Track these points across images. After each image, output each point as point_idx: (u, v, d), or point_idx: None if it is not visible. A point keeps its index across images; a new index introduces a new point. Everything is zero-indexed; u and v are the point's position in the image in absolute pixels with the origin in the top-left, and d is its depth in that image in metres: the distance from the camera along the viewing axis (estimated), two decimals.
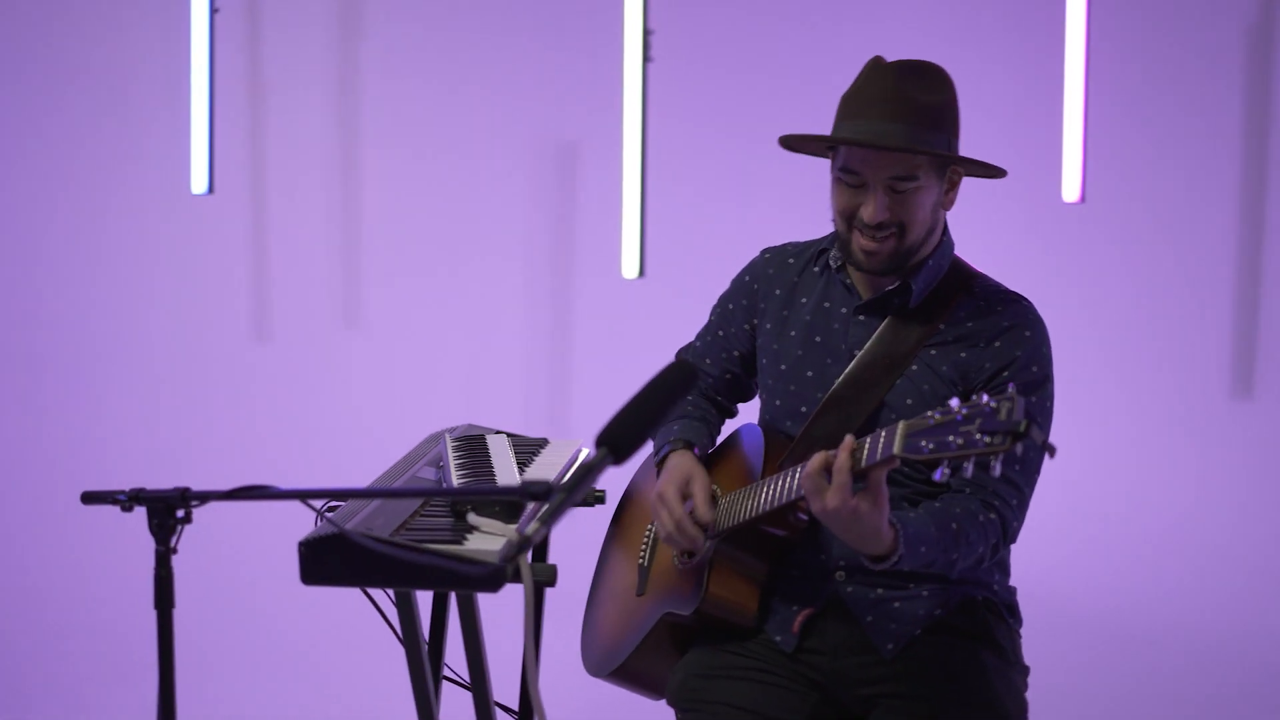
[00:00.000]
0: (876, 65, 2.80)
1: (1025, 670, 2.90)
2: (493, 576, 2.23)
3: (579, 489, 2.01)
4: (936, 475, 2.32)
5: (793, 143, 2.93)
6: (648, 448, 2.94)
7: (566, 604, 3.40)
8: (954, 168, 2.81)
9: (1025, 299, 2.88)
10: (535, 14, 5.90)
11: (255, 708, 4.88)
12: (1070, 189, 5.14)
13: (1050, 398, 2.84)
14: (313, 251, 5.98)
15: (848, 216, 2.78)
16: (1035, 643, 3.09)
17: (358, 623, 3.41)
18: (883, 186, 2.73)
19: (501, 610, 3.17)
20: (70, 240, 5.85)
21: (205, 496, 2.21)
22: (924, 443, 2.32)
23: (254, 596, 5.38)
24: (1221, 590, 5.61)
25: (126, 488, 2.23)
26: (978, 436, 2.26)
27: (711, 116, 5.82)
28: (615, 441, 2.06)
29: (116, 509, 2.27)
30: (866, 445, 2.46)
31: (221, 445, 5.87)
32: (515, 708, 3.36)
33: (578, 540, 3.59)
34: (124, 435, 5.85)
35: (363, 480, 3.04)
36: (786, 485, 2.65)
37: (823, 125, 2.89)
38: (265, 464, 5.73)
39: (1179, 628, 5.45)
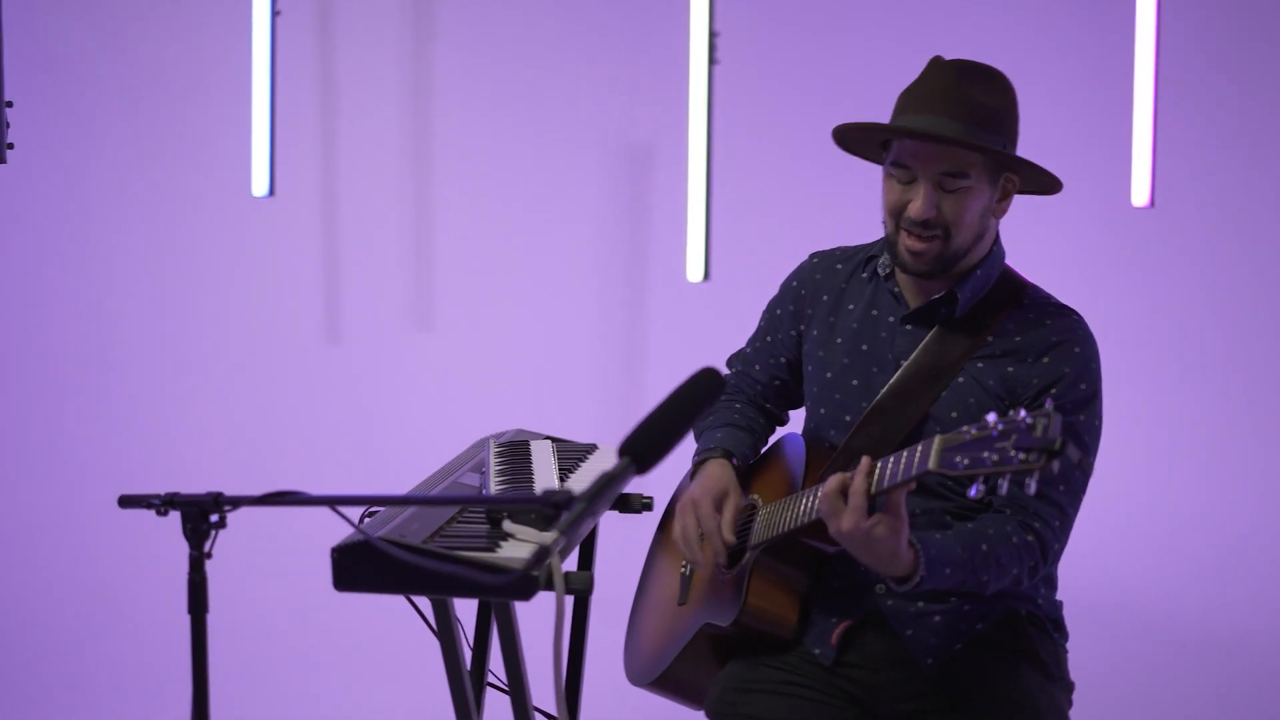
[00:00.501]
0: (937, 62, 2.77)
1: (1070, 686, 2.86)
2: (515, 585, 2.22)
3: (600, 499, 1.99)
4: (971, 492, 2.30)
5: (846, 140, 2.89)
6: (678, 455, 2.92)
7: (615, 611, 3.39)
8: (1008, 175, 2.76)
9: (1075, 313, 2.83)
10: (606, 15, 5.90)
11: (290, 715, 4.88)
12: (1139, 193, 5.07)
13: (1098, 415, 2.77)
14: (384, 254, 6.00)
15: (896, 213, 2.75)
16: (1090, 658, 3.05)
17: (402, 628, 3.41)
18: (932, 182, 2.70)
19: (545, 613, 3.16)
20: (140, 243, 5.90)
21: (237, 501, 2.22)
22: (959, 458, 2.30)
23: (294, 601, 5.38)
24: None
25: (203, 491, 2.23)
26: (1013, 453, 2.24)
27: (777, 118, 5.80)
28: (639, 451, 2.04)
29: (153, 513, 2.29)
30: (884, 468, 2.45)
31: (292, 447, 5.90)
32: (555, 713, 3.35)
33: (627, 547, 3.57)
34: (196, 437, 5.88)
35: (414, 483, 3.04)
36: (814, 500, 2.63)
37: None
38: (335, 466, 5.77)
39: (1251, 637, 5.37)
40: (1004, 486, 2.29)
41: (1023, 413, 2.27)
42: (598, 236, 5.94)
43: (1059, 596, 2.89)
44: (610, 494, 2.01)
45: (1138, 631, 5.33)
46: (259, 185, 5.21)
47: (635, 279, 5.96)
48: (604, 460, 3.23)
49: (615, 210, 5.93)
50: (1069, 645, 2.90)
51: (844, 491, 2.48)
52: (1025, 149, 2.80)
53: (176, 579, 2.33)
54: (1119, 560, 5.49)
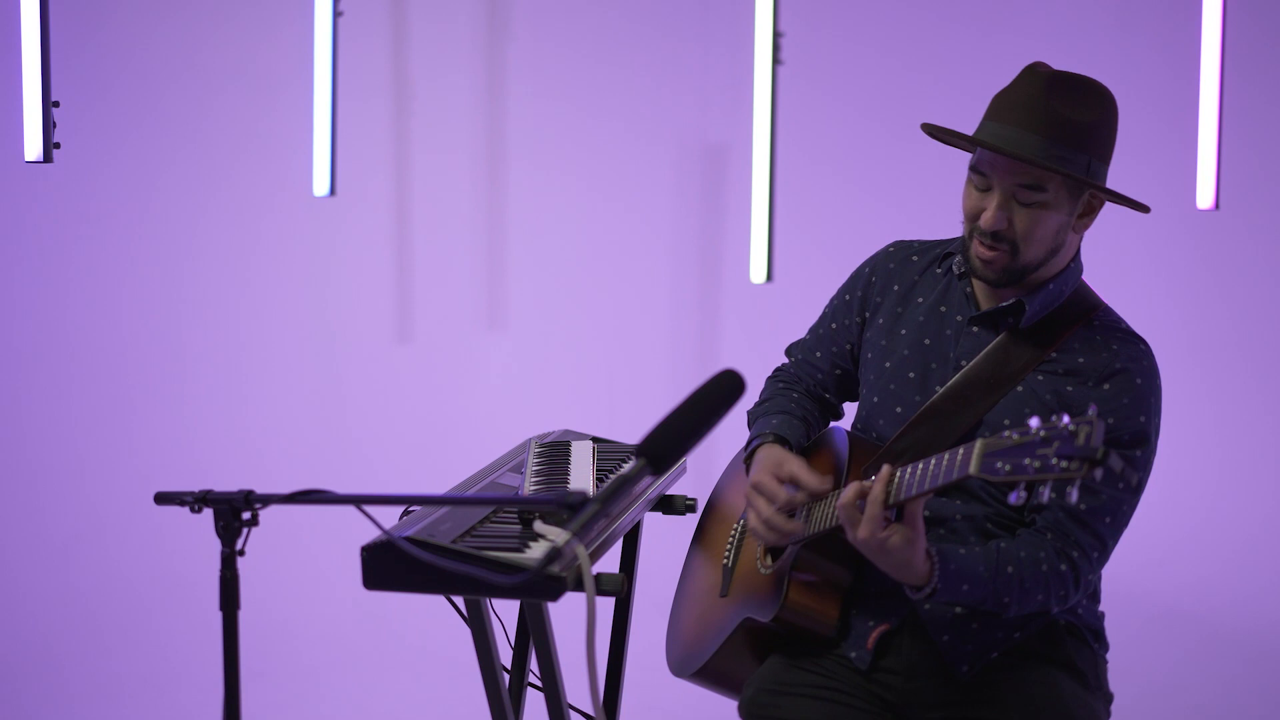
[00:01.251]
0: (1032, 71, 2.73)
1: (1109, 698, 2.82)
2: (530, 585, 2.23)
3: (615, 500, 2.00)
4: (1012, 498, 2.28)
5: (935, 133, 2.89)
6: (721, 453, 2.92)
7: (659, 611, 3.39)
8: (1093, 192, 2.73)
9: (1144, 342, 2.77)
10: (675, 15, 5.91)
11: (326, 713, 4.90)
12: (1204, 196, 5.02)
13: (1153, 451, 2.72)
14: (456, 253, 6.03)
15: (972, 218, 2.74)
16: (1133, 672, 3.02)
17: (438, 627, 3.44)
18: (1007, 194, 2.68)
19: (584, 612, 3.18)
20: (204, 244, 5.94)
21: (268, 499, 2.25)
22: (1000, 464, 2.28)
23: (331, 599, 5.40)
24: None
25: (290, 490, 2.26)
26: (1054, 461, 2.22)
27: (841, 119, 5.79)
28: (655, 452, 2.05)
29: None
30: (903, 478, 2.44)
31: (362, 447, 5.94)
32: (591, 712, 3.36)
33: (671, 549, 3.58)
34: (266, 436, 5.93)
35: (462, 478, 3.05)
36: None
37: (955, 125, 2.85)
38: (402, 465, 5.81)
39: None
40: (1045, 494, 2.26)
41: (1065, 418, 2.24)
42: (665, 237, 5.95)
43: (1101, 608, 2.86)
44: (626, 495, 2.02)
45: (1183, 649, 5.26)
46: (320, 185, 5.25)
47: (701, 280, 5.97)
48: None
49: (683, 211, 5.94)
50: (1109, 656, 2.86)
51: (862, 499, 2.47)
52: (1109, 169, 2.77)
53: (209, 576, 2.37)
54: (1178, 569, 5.44)
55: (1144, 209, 2.76)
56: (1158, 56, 5.48)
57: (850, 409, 3.11)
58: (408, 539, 2.31)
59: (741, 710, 2.85)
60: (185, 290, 5.89)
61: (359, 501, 2.24)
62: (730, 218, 5.83)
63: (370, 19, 5.81)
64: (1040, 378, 2.73)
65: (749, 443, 2.97)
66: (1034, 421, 2.27)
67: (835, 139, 5.81)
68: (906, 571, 2.51)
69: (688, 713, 4.30)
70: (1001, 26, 5.52)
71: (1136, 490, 2.68)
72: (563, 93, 5.99)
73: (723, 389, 2.15)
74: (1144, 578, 5.17)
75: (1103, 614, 2.86)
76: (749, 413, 3.06)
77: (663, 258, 5.94)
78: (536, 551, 2.41)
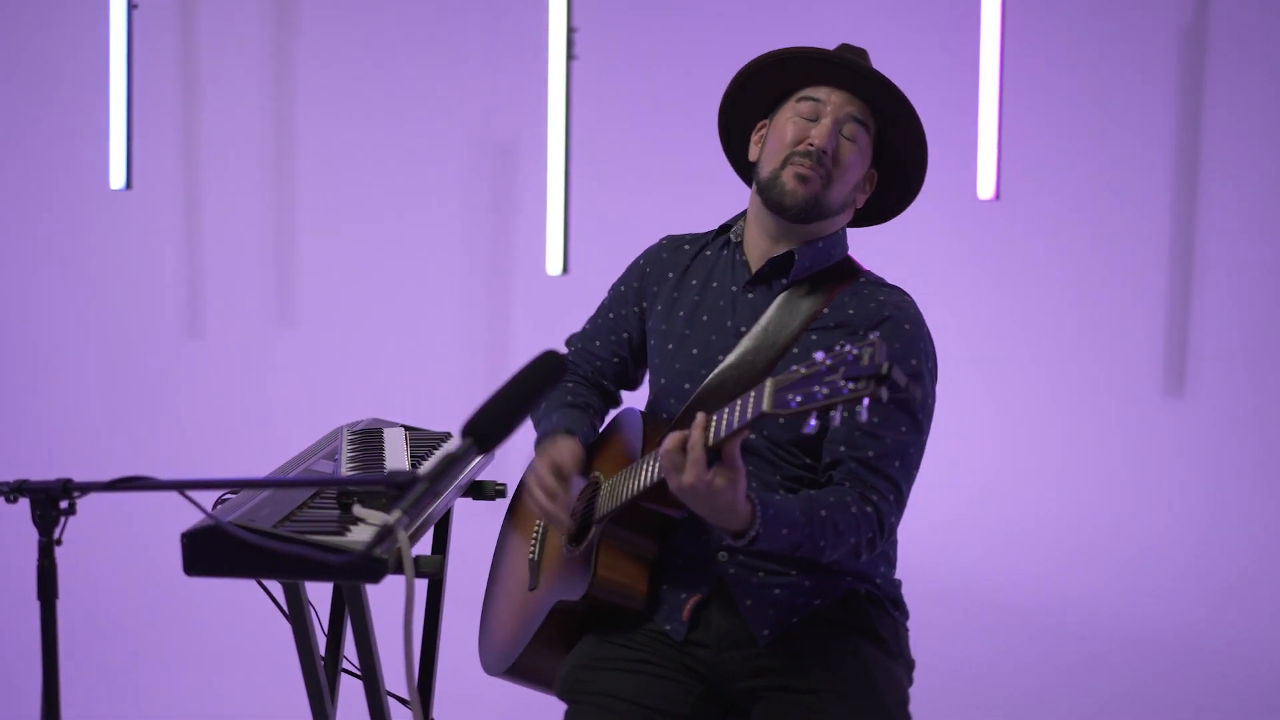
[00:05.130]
0: (847, 45, 2.93)
1: (911, 664, 2.92)
2: (359, 566, 2.25)
3: (443, 478, 2.04)
4: (807, 428, 2.30)
5: (731, 129, 3.02)
6: (527, 442, 2.97)
7: (470, 597, 3.42)
8: (872, 170, 2.91)
9: (907, 293, 2.92)
10: (466, 11, 5.92)
11: (148, 702, 4.84)
12: (985, 186, 5.19)
13: (931, 394, 2.84)
14: (246, 248, 5.98)
15: (794, 143, 2.84)
16: (934, 640, 3.12)
17: (255, 615, 3.43)
18: (839, 122, 2.83)
19: (400, 599, 3.19)
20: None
21: (87, 487, 2.24)
22: (791, 396, 2.32)
23: (147, 589, 5.35)
24: (1150, 585, 5.65)
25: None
26: (842, 384, 2.27)
27: (636, 113, 5.85)
28: (481, 431, 2.09)
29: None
30: (719, 421, 2.49)
31: (154, 442, 5.86)
32: (406, 697, 3.38)
33: (480, 534, 3.61)
34: (54, 433, 5.82)
35: (266, 473, 3.05)
36: (654, 465, 2.67)
37: (749, 116, 2.97)
38: (198, 460, 5.74)
39: (1106, 622, 5.49)
40: (836, 418, 2.30)
41: (848, 345, 2.31)
42: (458, 231, 5.96)
43: (897, 575, 2.96)
44: (454, 474, 2.06)
45: (978, 613, 5.44)
46: (116, 178, 5.18)
47: (496, 273, 5.99)
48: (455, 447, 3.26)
49: (476, 205, 5.95)
50: (910, 624, 2.97)
51: (683, 448, 2.51)
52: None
53: (27, 568, 2.35)
54: (962, 546, 5.60)
55: (892, 214, 3.02)
56: (938, 48, 5.61)
57: (634, 397, 3.19)
58: (236, 525, 2.31)
59: (559, 688, 2.89)
60: None
61: (182, 487, 2.25)
62: (525, 211, 5.85)
63: (158, 13, 5.73)
64: (815, 336, 2.83)
65: (538, 442, 3.02)
66: (819, 355, 2.33)
67: (628, 133, 5.87)
68: (730, 515, 2.55)
69: (498, 693, 4.32)
70: (792, 21, 5.62)
71: (920, 432, 2.79)
72: (351, 88, 5.96)
73: (544, 369, 2.21)
74: (931, 550, 5.31)
75: (900, 581, 2.96)
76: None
77: (456, 251, 5.94)
78: (358, 535, 2.42)
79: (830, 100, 2.84)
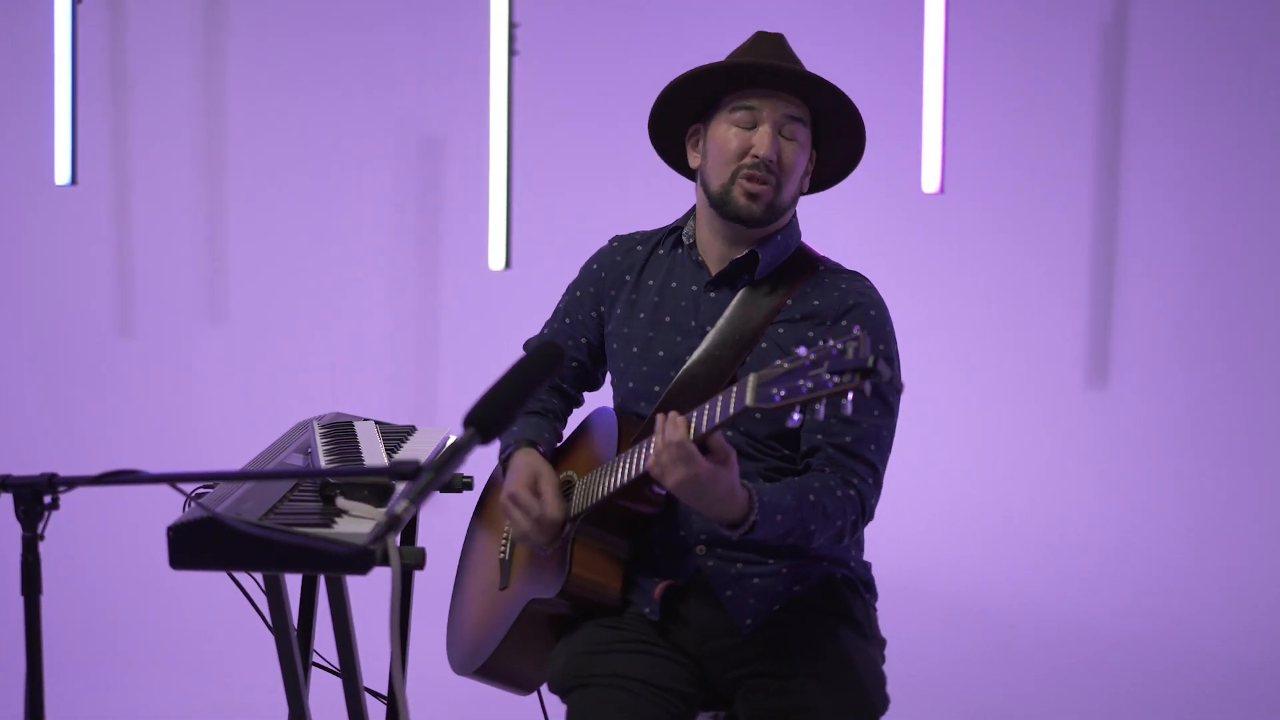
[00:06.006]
0: (763, 33, 2.91)
1: (882, 643, 2.96)
2: (361, 557, 2.24)
3: (448, 468, 2.03)
4: (791, 421, 2.32)
5: (662, 130, 2.99)
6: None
7: (438, 590, 3.41)
8: (812, 153, 2.91)
9: (865, 278, 2.95)
10: (402, 7, 5.90)
11: (122, 697, 4.81)
12: (930, 179, 5.22)
13: (897, 376, 2.86)
14: (177, 246, 5.93)
15: (739, 156, 2.83)
16: (890, 616, 3.15)
17: (223, 610, 3.40)
18: (777, 126, 2.81)
19: (369, 596, 3.18)
20: None
21: (73, 482, 2.21)
22: (774, 391, 2.34)
23: (115, 586, 5.30)
24: (1072, 572, 5.74)
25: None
26: (827, 378, 2.28)
27: (577, 109, 5.85)
28: (482, 421, 2.09)
29: None
30: (699, 418, 2.50)
31: (85, 440, 5.80)
32: (385, 694, 3.37)
33: (447, 526, 3.60)
34: None
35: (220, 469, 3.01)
36: (638, 459, 2.67)
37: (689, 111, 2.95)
38: (129, 459, 5.66)
39: (1028, 610, 5.56)
40: (821, 411, 2.32)
41: (830, 340, 2.32)
42: (396, 227, 5.93)
43: (866, 557, 3.00)
44: (456, 464, 2.05)
45: (939, 599, 5.49)
46: (61, 174, 5.12)
47: (437, 269, 5.97)
48: (426, 440, 3.25)
49: (414, 200, 5.93)
50: (878, 604, 3.00)
51: (671, 445, 2.51)
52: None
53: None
54: (881, 535, 5.65)
55: (835, 180, 3.00)
56: (883, 42, 5.66)
57: (596, 398, 3.19)
58: (234, 517, 2.29)
59: (555, 682, 2.87)
60: None
61: (173, 480, 2.22)
62: (464, 207, 5.84)
63: (88, 8, 5.66)
64: (781, 330, 2.85)
65: (501, 454, 3.02)
66: (801, 350, 2.34)
67: (569, 128, 5.86)
68: (729, 503, 2.55)
69: (471, 699, 4.31)
70: (734, 13, 5.64)
71: (891, 415, 2.83)
72: (285, 84, 5.92)
73: (543, 359, 2.21)
74: (896, 550, 5.36)
75: (869, 564, 3.00)
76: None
77: (390, 248, 5.93)
78: (345, 526, 2.42)
79: (764, 106, 2.83)
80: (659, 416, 2.55)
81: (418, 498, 1.99)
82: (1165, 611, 5.55)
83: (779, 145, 2.82)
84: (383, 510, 2.52)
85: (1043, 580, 5.70)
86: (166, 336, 5.96)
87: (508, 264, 5.48)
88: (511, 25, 5.41)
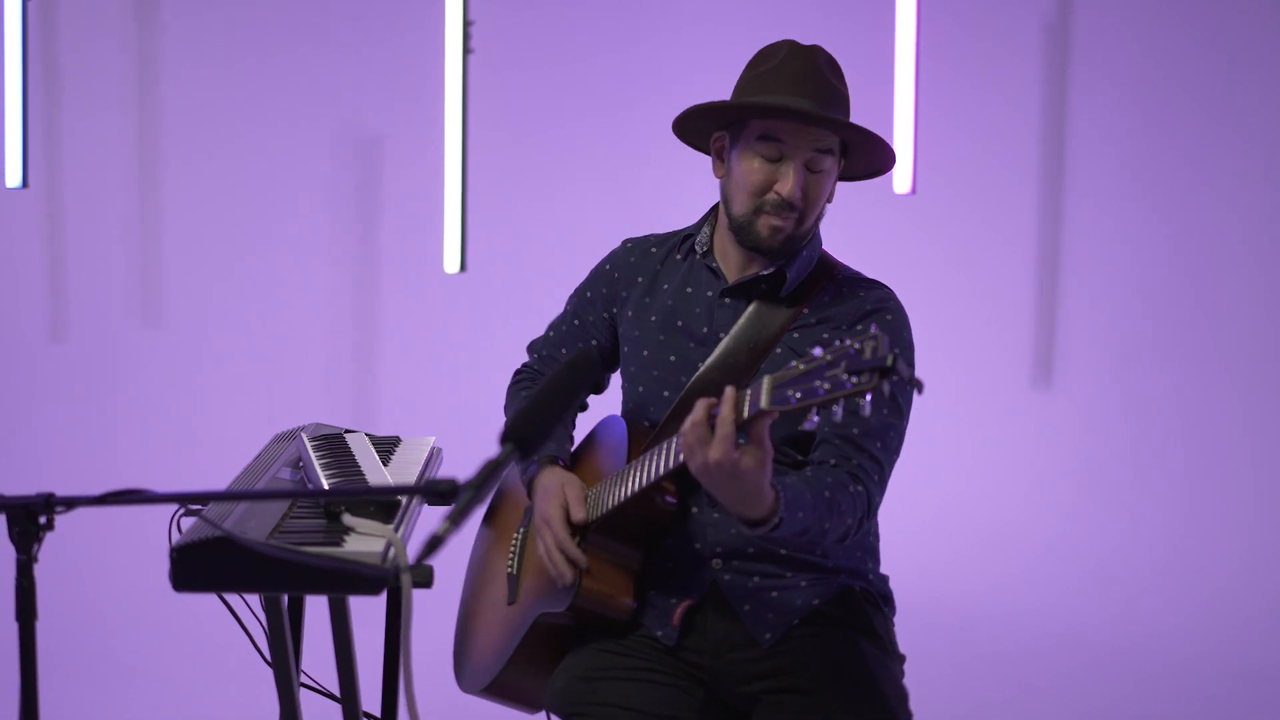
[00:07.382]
0: (796, 47, 2.78)
1: (901, 658, 2.89)
2: (383, 578, 2.14)
3: (488, 485, 1.94)
4: (808, 425, 2.24)
5: (687, 128, 2.87)
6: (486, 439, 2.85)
7: (438, 609, 3.29)
8: (840, 160, 2.82)
9: (887, 286, 2.88)
10: (346, 5, 5.80)
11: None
12: (902, 180, 5.20)
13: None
14: (109, 248, 5.81)
15: (762, 191, 2.73)
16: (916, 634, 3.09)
17: (211, 634, 3.28)
18: (803, 162, 2.71)
19: (359, 616, 3.07)
20: None
21: (72, 502, 2.10)
22: (791, 392, 2.25)
23: (102, 609, 5.14)
24: (1015, 572, 5.74)
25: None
26: (844, 378, 2.20)
27: (532, 109, 5.77)
28: (521, 436, 2.00)
29: None
30: (748, 396, 2.37)
31: (16, 449, 5.67)
32: (380, 716, 3.25)
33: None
34: None
35: (156, 481, 2.90)
36: (653, 463, 2.59)
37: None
38: (61, 468, 5.54)
39: (966, 608, 5.55)
40: (838, 413, 2.23)
41: (847, 340, 2.24)
42: (341, 230, 5.84)
43: (883, 571, 2.93)
44: (495, 482, 1.96)
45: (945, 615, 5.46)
46: (12, 176, 4.98)
47: (385, 272, 5.87)
48: (415, 451, 3.14)
49: (360, 203, 5.84)
50: (895, 619, 2.93)
51: (711, 420, 2.39)
52: None
53: None
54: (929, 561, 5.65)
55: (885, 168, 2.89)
56: (854, 42, 5.61)
57: (601, 403, 3.10)
58: (249, 539, 2.17)
59: (553, 703, 2.79)
60: None
61: (182, 500, 2.12)
62: (417, 209, 5.74)
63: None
64: (797, 335, 2.78)
65: (524, 470, 2.91)
66: (816, 350, 2.26)
67: (525, 130, 5.79)
68: (755, 499, 2.43)
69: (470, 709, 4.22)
70: (697, 19, 5.58)
71: (901, 417, 2.75)
72: (224, 84, 5.81)
73: (578, 369, 2.12)
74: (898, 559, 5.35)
75: (887, 577, 2.93)
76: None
77: (331, 251, 5.83)
78: (354, 545, 2.31)
79: (792, 139, 2.71)
80: (700, 401, 2.40)
81: (458, 517, 1.89)
82: (1103, 609, 5.57)
83: (805, 181, 2.72)
84: (389, 526, 2.42)
85: (986, 580, 5.70)
86: (99, 341, 5.83)
87: (463, 267, 5.37)
88: (466, 23, 5.32)
